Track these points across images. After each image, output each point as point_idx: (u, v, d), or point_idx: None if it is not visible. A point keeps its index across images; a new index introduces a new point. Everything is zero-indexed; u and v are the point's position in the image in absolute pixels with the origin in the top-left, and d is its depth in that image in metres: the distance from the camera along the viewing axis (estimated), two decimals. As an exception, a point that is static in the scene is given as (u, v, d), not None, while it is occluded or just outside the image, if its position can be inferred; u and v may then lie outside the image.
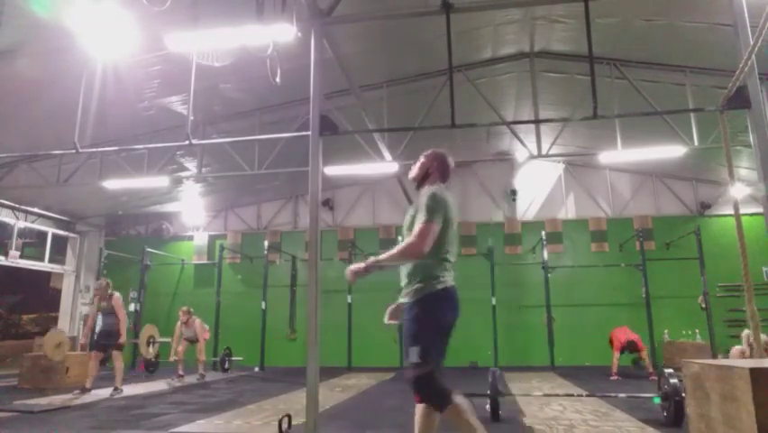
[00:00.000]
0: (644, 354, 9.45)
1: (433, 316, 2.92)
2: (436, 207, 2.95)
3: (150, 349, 7.94)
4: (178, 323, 9.99)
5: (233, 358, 10.54)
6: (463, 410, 2.77)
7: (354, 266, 3.02)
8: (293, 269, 13.91)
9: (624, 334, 9.43)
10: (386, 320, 3.22)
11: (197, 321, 10.04)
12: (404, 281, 3.02)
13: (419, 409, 2.88)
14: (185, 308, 10.08)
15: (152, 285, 13.99)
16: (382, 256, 2.93)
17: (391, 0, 6.52)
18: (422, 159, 3.28)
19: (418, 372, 2.79)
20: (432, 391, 2.79)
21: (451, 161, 3.31)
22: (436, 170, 3.23)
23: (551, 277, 12.05)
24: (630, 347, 9.26)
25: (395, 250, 2.92)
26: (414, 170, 3.28)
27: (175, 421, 5.61)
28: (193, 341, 9.96)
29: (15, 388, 8.83)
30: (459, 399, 2.79)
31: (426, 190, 3.05)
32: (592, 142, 11.45)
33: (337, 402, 6.95)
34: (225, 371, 10.12)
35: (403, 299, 3.03)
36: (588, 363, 11.82)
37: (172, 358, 9.82)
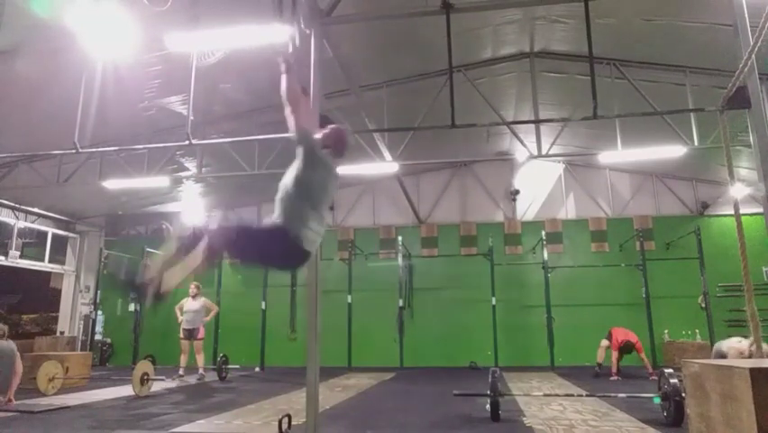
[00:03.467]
0: (644, 354, 9.46)
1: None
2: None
3: (144, 388, 7.70)
4: (184, 300, 10.07)
5: (230, 366, 10.51)
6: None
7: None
8: (293, 269, 13.90)
9: (623, 334, 9.45)
10: None
11: (203, 298, 10.19)
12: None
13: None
14: (196, 282, 10.15)
15: (152, 285, 13.96)
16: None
17: (391, 0, 6.53)
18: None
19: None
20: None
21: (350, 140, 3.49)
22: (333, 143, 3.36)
23: (551, 277, 12.05)
24: (626, 348, 9.27)
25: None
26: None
27: (175, 421, 5.61)
28: (191, 337, 9.90)
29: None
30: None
31: None
32: (592, 142, 11.44)
33: (337, 402, 6.95)
34: (223, 379, 10.08)
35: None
36: (588, 363, 11.80)
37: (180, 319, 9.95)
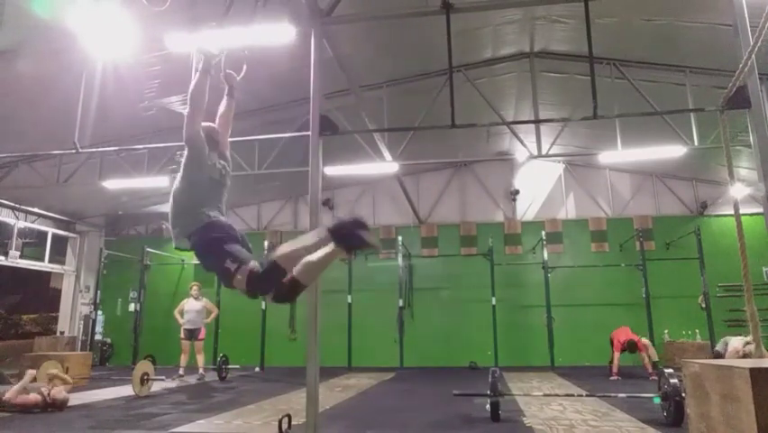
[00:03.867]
0: (645, 354, 9.45)
1: (213, 238, 2.91)
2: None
3: (144, 388, 7.67)
4: (185, 300, 10.14)
5: (230, 366, 10.50)
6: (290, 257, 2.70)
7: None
8: (293, 269, 13.90)
9: (624, 334, 9.45)
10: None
11: (205, 299, 10.28)
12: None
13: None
14: (197, 283, 10.29)
15: (152, 285, 13.98)
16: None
17: (391, 0, 6.52)
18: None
19: (245, 272, 2.72)
20: (262, 280, 2.73)
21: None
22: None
23: (551, 277, 12.05)
24: (630, 347, 9.26)
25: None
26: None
27: (175, 421, 5.61)
28: (192, 338, 9.95)
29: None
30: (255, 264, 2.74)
31: None
32: (592, 142, 11.45)
33: (337, 402, 6.95)
34: (223, 379, 10.07)
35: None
36: (588, 363, 11.82)
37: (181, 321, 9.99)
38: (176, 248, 3.19)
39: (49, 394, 6.39)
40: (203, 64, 3.13)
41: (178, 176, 3.11)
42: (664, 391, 5.12)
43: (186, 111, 3.08)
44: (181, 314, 10.06)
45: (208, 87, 3.13)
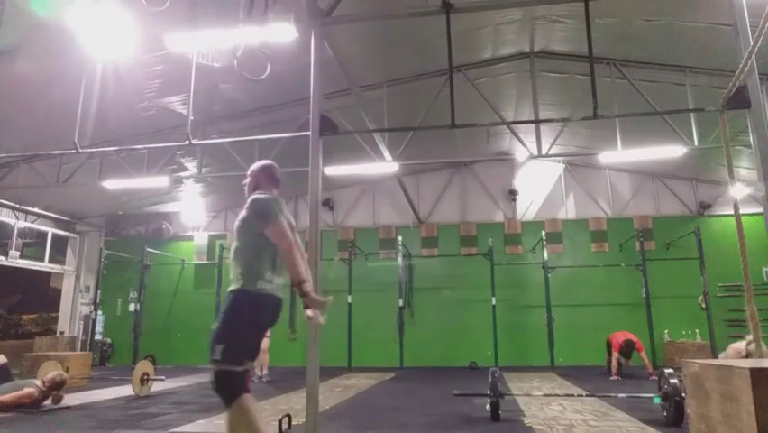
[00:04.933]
0: (644, 354, 9.45)
1: (248, 316, 2.86)
2: (265, 208, 2.98)
3: (144, 388, 7.61)
4: None
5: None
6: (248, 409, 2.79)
7: (312, 313, 3.07)
8: (293, 269, 13.90)
9: (622, 335, 9.45)
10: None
11: None
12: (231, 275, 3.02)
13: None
14: None
15: (152, 285, 13.99)
16: (306, 287, 2.87)
17: (391, 0, 6.52)
18: (248, 175, 3.34)
19: (220, 367, 2.79)
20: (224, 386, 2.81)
21: (277, 172, 3.38)
22: (265, 181, 3.28)
23: (551, 277, 12.05)
24: (627, 348, 9.26)
25: (292, 273, 2.90)
26: (246, 186, 3.34)
27: (175, 421, 5.61)
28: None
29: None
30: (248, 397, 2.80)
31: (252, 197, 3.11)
32: (592, 142, 11.45)
33: (337, 402, 6.95)
34: None
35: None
36: (588, 363, 11.82)
37: None
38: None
39: (44, 383, 6.38)
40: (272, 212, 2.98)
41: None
42: (664, 391, 5.11)
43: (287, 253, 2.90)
44: None
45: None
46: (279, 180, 3.35)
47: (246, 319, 2.85)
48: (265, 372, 9.54)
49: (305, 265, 2.97)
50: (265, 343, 9.10)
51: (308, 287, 2.87)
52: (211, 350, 2.82)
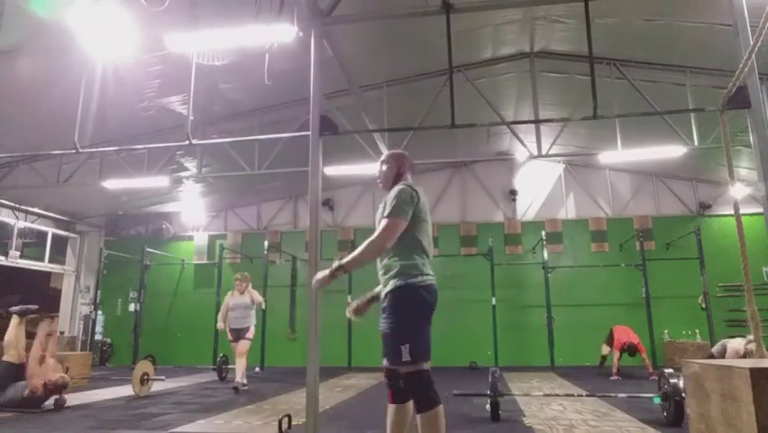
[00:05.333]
0: (645, 354, 9.45)
1: (418, 309, 2.85)
2: (401, 203, 2.88)
3: (144, 388, 7.59)
4: (228, 295, 8.70)
5: (230, 366, 10.46)
6: (440, 417, 2.74)
7: (320, 275, 2.97)
8: (293, 269, 13.92)
9: (625, 335, 9.43)
10: (349, 314, 3.15)
11: (255, 292, 8.69)
12: (382, 276, 2.97)
13: (393, 409, 2.86)
14: (242, 275, 8.73)
15: (152, 285, 13.99)
16: (346, 260, 2.85)
17: (391, 0, 6.52)
18: (387, 163, 3.23)
19: (410, 369, 2.74)
20: (424, 389, 2.76)
21: (410, 161, 3.30)
22: (408, 169, 3.20)
23: (551, 277, 12.05)
24: (629, 350, 9.25)
25: (357, 250, 2.86)
26: (381, 175, 3.23)
27: (175, 421, 5.61)
28: (240, 337, 8.42)
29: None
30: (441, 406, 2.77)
31: (395, 187, 2.99)
32: (592, 142, 11.45)
33: (337, 402, 6.95)
34: (223, 379, 10.02)
35: (382, 293, 2.97)
36: (588, 363, 11.82)
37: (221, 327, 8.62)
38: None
39: (46, 384, 6.39)
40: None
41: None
42: (664, 391, 5.11)
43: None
44: (224, 314, 8.54)
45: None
46: (414, 168, 3.27)
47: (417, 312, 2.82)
48: (244, 379, 8.24)
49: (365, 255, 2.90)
50: (242, 346, 8.33)
51: (336, 264, 2.89)
52: (393, 353, 2.77)
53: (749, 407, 2.25)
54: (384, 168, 3.23)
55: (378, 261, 3.00)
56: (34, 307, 7.07)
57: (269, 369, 11.95)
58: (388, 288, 2.88)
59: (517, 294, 12.94)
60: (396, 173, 3.16)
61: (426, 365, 2.80)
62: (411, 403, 2.85)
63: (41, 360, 6.54)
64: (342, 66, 6.61)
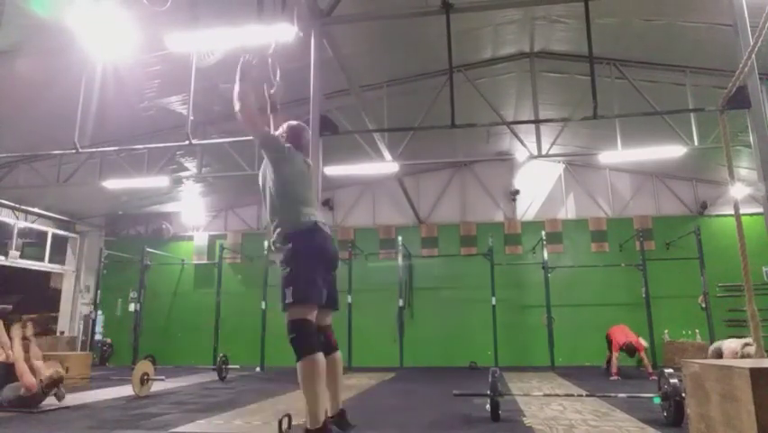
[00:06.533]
0: (644, 354, 9.44)
1: (307, 252, 2.97)
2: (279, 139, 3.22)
3: (144, 388, 7.59)
4: None
5: (230, 366, 10.46)
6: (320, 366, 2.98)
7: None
8: (293, 269, 13.90)
9: (623, 335, 9.40)
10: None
11: None
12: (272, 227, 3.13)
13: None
14: None
15: (152, 285, 13.98)
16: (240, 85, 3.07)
17: (391, 0, 6.53)
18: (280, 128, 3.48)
19: (292, 314, 2.93)
20: (301, 336, 2.97)
21: (306, 134, 3.49)
22: (289, 138, 3.38)
23: (551, 277, 12.04)
24: (629, 351, 9.23)
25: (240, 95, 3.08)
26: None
27: (175, 421, 5.61)
28: None
29: (15, 388, 8.79)
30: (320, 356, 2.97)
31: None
32: (592, 142, 11.45)
33: (337, 402, 6.94)
34: (223, 379, 9.99)
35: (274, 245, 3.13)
36: (588, 363, 11.82)
37: None
38: (273, 245, 3.19)
39: (42, 381, 6.36)
40: (240, 73, 3.15)
41: (270, 175, 3.14)
42: (664, 391, 5.11)
43: (245, 120, 3.08)
44: None
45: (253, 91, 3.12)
46: (304, 140, 3.44)
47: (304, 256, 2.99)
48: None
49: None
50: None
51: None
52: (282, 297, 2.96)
53: (749, 407, 2.25)
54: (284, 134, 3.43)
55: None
56: (9, 307, 7.03)
57: (269, 369, 11.95)
58: (280, 239, 3.06)
59: (517, 294, 12.94)
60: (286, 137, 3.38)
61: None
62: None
63: (27, 360, 6.50)
64: (342, 66, 6.62)
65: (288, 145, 3.22)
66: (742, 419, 2.33)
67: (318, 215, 3.18)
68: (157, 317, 14.09)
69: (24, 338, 6.83)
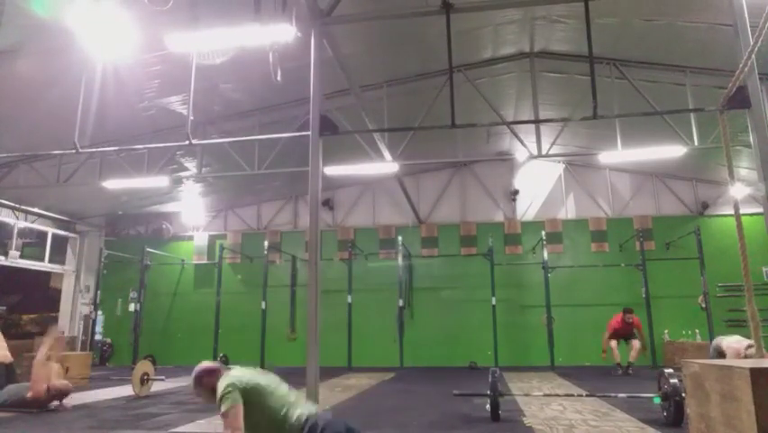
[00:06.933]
0: (640, 337, 9.59)
1: None
2: (225, 394, 3.01)
3: (144, 388, 7.58)
4: None
5: (230, 366, 10.46)
6: None
7: None
8: (293, 269, 13.91)
9: (615, 321, 9.55)
10: None
11: None
12: None
13: None
14: None
15: (152, 285, 13.99)
16: None
17: (391, 0, 6.52)
18: (197, 388, 3.27)
19: None
20: None
21: (206, 366, 3.33)
22: (211, 378, 3.24)
23: (551, 277, 12.04)
24: (625, 330, 9.33)
25: None
26: (205, 399, 3.27)
27: (175, 421, 5.61)
28: None
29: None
30: None
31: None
32: (592, 142, 11.45)
33: (337, 402, 6.95)
34: None
35: None
36: (588, 363, 11.82)
37: None
38: None
39: (49, 389, 6.38)
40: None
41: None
42: (664, 391, 5.11)
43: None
44: None
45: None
46: (214, 370, 3.31)
47: None
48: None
49: None
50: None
51: None
52: None
53: (749, 407, 2.25)
54: (200, 394, 3.29)
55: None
56: (4, 308, 7.13)
57: (269, 369, 11.94)
58: None
59: (517, 294, 12.94)
60: (211, 387, 3.20)
61: None
62: None
63: (47, 360, 6.55)
64: (342, 66, 6.61)
65: (232, 391, 3.02)
66: (742, 418, 2.33)
67: (304, 407, 3.09)
68: (157, 317, 14.09)
69: (57, 338, 6.94)
